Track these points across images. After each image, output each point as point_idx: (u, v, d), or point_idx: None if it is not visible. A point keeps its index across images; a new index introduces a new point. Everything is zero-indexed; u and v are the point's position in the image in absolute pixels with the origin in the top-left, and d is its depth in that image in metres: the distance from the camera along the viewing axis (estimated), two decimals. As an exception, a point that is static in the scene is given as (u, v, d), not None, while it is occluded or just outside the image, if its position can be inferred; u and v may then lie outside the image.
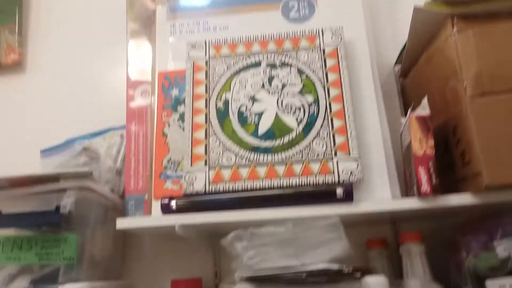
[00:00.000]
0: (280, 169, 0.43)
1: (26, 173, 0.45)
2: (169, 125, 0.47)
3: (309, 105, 0.46)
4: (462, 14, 0.42)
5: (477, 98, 0.40)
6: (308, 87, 0.46)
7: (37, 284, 0.45)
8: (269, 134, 0.45)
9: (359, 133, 0.45)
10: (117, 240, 0.55)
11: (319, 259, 0.40)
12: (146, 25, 0.57)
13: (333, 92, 0.46)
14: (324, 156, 0.44)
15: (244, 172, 0.43)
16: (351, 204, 0.42)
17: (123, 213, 0.51)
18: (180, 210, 0.43)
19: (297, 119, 0.45)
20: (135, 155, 0.53)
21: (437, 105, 0.45)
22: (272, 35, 0.49)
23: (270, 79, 0.47)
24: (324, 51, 0.48)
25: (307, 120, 0.45)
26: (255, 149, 0.44)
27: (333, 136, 0.44)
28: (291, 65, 0.47)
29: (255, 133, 0.45)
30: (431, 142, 0.42)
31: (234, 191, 0.43)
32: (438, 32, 0.44)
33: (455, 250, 0.44)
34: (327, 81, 0.46)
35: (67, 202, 0.44)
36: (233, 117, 0.46)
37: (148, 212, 0.46)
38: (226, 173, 0.43)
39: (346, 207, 0.42)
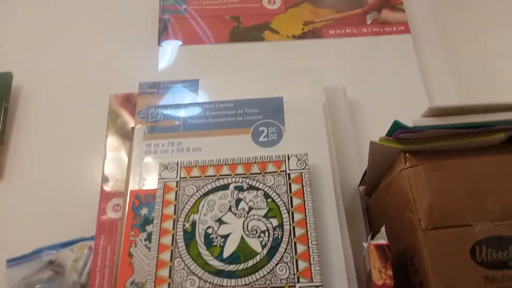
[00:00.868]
0: (243, 295, 0.43)
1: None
2: (135, 245, 0.48)
3: (274, 229, 0.47)
4: (413, 150, 0.46)
5: (430, 232, 0.42)
6: (273, 211, 0.48)
7: None
8: (234, 258, 0.45)
9: (322, 258, 0.47)
10: None
11: None
12: (124, 141, 0.60)
13: (297, 216, 0.48)
14: (287, 281, 0.44)
15: (207, 297, 0.43)
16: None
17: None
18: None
19: (261, 243, 0.46)
20: (101, 270, 0.52)
21: (397, 231, 0.47)
22: (241, 159, 0.52)
23: (237, 202, 0.49)
24: (289, 176, 0.50)
25: (272, 244, 0.46)
26: (219, 273, 0.45)
27: (296, 261, 0.45)
28: (258, 189, 0.50)
29: (220, 256, 0.46)
30: (390, 272, 0.43)
31: (195, 318, 0.42)
32: (394, 164, 0.48)
33: None
34: (291, 205, 0.49)
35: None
36: (199, 239, 0.47)
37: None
38: (189, 298, 0.43)
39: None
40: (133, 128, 0.58)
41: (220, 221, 0.48)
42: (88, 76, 0.72)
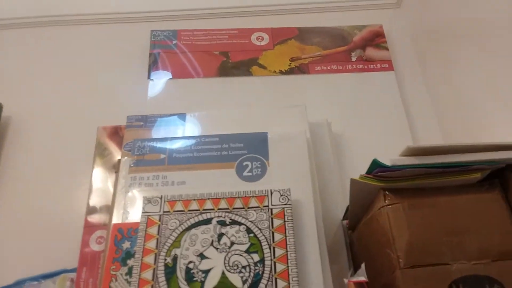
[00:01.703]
0: (222, 333, 0.43)
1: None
2: (116, 279, 0.48)
3: (255, 265, 0.47)
4: (392, 188, 0.47)
5: (408, 270, 0.42)
6: (255, 246, 0.49)
7: None
8: (214, 294, 0.45)
9: (303, 295, 0.47)
10: None
11: None
12: (111, 173, 0.61)
13: (278, 252, 0.48)
14: (267, 318, 0.44)
15: (186, 334, 0.43)
16: None
17: None
18: None
19: (242, 278, 0.46)
20: (81, 304, 0.52)
21: (378, 268, 0.47)
22: (224, 193, 0.52)
23: (220, 237, 0.49)
24: (271, 211, 0.51)
25: (252, 279, 0.46)
26: (198, 309, 0.44)
27: (277, 298, 0.45)
28: (240, 223, 0.50)
29: (200, 292, 0.46)
30: (369, 310, 0.43)
31: None
32: (374, 201, 0.49)
33: None
34: (273, 240, 0.49)
35: None
36: (180, 274, 0.47)
37: None
38: (167, 335, 0.43)
39: None
40: (119, 160, 0.59)
41: (201, 256, 0.48)
42: (78, 108, 0.73)
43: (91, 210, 0.58)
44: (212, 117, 0.65)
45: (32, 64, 0.79)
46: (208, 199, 0.52)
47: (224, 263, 0.47)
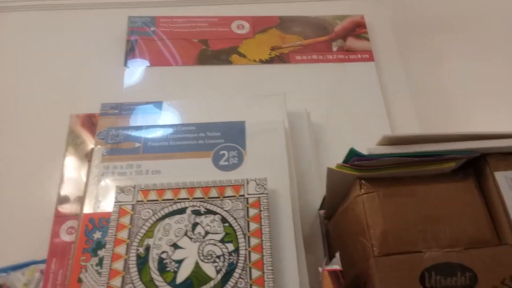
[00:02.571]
0: (195, 323, 0.42)
1: None
2: (86, 271, 0.47)
3: (230, 254, 0.47)
4: (368, 177, 0.46)
5: (382, 258, 0.42)
6: (230, 235, 0.48)
7: None
8: (187, 284, 0.45)
9: (278, 283, 0.46)
10: None
11: None
12: (83, 162, 0.59)
13: (253, 241, 0.48)
14: (241, 308, 0.44)
15: (157, 325, 0.42)
16: None
17: None
18: None
19: (216, 268, 0.46)
20: (51, 296, 0.51)
21: (352, 256, 0.47)
22: (199, 182, 0.51)
23: (194, 226, 0.48)
24: (247, 200, 0.50)
25: (226, 269, 0.46)
26: (171, 300, 0.44)
27: (251, 287, 0.45)
28: (215, 213, 0.49)
29: (172, 282, 0.45)
30: (343, 299, 0.43)
31: None
32: (350, 190, 0.49)
33: None
34: (248, 230, 0.48)
35: None
36: (153, 265, 0.46)
37: None
38: (138, 326, 0.42)
39: None
40: (92, 149, 0.57)
41: (175, 246, 0.47)
42: (50, 95, 0.71)
43: (62, 200, 0.57)
44: (189, 105, 0.64)
45: (2, 50, 0.76)
46: (183, 188, 0.51)
47: (198, 253, 0.47)
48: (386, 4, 0.87)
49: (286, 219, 0.51)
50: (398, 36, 0.82)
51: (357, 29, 0.82)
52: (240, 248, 0.47)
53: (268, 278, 0.45)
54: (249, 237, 0.48)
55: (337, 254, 0.45)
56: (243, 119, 0.60)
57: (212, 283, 0.45)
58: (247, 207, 0.50)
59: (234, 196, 0.50)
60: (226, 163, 0.55)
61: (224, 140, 0.57)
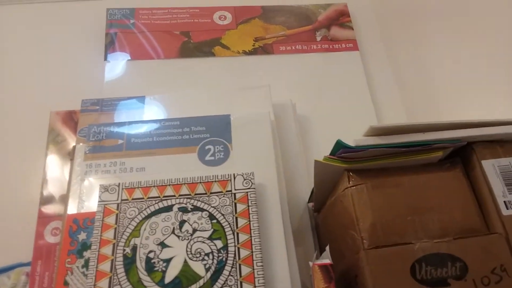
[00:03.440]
0: (185, 322, 0.42)
1: None
2: (71, 273, 0.45)
3: (218, 251, 0.46)
4: (356, 168, 0.46)
5: (372, 251, 0.42)
6: (218, 232, 0.47)
7: None
8: (176, 283, 0.44)
9: (268, 279, 0.46)
10: None
11: None
12: (66, 160, 0.58)
13: (242, 237, 0.47)
14: (231, 305, 0.43)
15: (147, 326, 0.41)
16: None
17: None
18: None
19: (205, 266, 0.45)
20: (37, 300, 0.49)
21: (342, 249, 0.47)
22: (185, 179, 0.50)
23: (181, 224, 0.47)
24: (235, 196, 0.50)
25: (216, 267, 0.45)
26: (160, 300, 0.43)
27: (241, 284, 0.44)
28: (202, 210, 0.48)
29: (161, 282, 0.44)
30: (334, 292, 0.43)
31: None
32: (338, 182, 0.48)
33: None
34: (236, 226, 0.48)
35: None
36: (140, 265, 0.45)
37: None
38: (127, 328, 0.41)
39: None
40: (74, 147, 0.56)
41: (162, 245, 0.46)
42: (29, 91, 0.68)
43: (45, 200, 0.55)
44: (172, 99, 0.62)
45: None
46: (169, 185, 0.50)
47: (186, 251, 0.46)
48: (369, -8, 0.86)
49: (274, 214, 0.51)
50: (382, 24, 0.82)
51: (341, 18, 0.81)
52: (229, 245, 0.46)
53: (258, 274, 0.45)
54: (237, 233, 0.47)
55: (327, 248, 0.45)
56: (228, 112, 0.59)
57: (201, 282, 0.44)
58: (235, 203, 0.49)
59: (221, 192, 0.50)
60: (212, 158, 0.54)
61: (209, 134, 0.56)
